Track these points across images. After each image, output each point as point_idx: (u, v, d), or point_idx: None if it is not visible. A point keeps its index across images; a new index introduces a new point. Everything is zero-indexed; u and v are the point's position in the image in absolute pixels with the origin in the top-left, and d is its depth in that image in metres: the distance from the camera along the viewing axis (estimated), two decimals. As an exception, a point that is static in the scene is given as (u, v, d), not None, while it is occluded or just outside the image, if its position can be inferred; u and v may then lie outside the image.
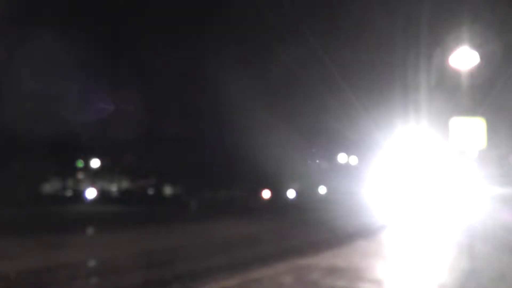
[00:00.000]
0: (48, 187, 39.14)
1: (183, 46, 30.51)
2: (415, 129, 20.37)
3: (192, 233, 16.68)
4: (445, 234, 14.94)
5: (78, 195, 39.05)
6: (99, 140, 33.47)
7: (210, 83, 30.71)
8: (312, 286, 7.43)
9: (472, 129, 9.11)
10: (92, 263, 10.42)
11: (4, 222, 18.51)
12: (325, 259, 10.00)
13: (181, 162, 36.08)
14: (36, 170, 33.39)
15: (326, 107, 31.46)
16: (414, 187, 23.55)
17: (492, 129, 9.66)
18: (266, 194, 43.58)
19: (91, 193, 39.17)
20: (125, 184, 44.48)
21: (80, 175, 43.05)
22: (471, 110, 9.63)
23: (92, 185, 41.04)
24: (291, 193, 46.72)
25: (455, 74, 10.08)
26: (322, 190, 48.42)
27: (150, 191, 43.87)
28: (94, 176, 42.47)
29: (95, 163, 41.83)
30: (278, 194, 44.63)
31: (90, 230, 17.62)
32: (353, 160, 45.53)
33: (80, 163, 41.84)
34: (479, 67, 10.07)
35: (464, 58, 9.75)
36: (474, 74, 9.87)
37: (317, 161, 47.94)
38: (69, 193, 40.91)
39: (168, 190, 44.76)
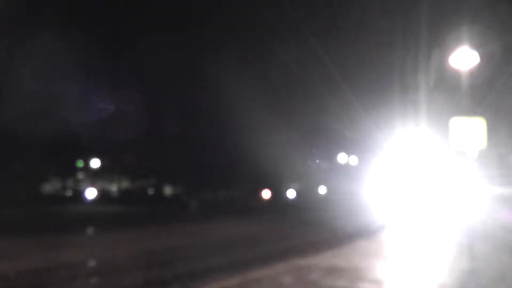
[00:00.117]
0: (48, 187, 39.15)
1: (183, 46, 30.52)
2: (415, 129, 20.37)
3: (192, 233, 16.68)
4: (445, 234, 14.94)
5: (78, 195, 39.05)
6: (99, 140, 33.47)
7: (210, 83, 30.72)
8: (312, 286, 7.43)
9: (472, 129, 9.12)
10: (92, 263, 10.42)
11: (4, 222, 18.50)
12: (325, 259, 10.00)
13: (181, 162, 36.07)
14: (36, 170, 33.40)
15: (326, 107, 31.47)
16: (414, 187, 23.55)
17: (492, 129, 9.67)
18: (266, 194, 43.58)
19: (91, 193, 39.17)
20: (125, 184, 44.48)
21: (80, 175, 43.05)
22: (471, 110, 9.63)
23: (92, 185, 41.04)
24: (291, 193, 46.72)
25: (455, 74, 10.08)
26: (322, 190, 48.41)
27: (150, 191, 43.87)
28: (94, 176, 42.47)
29: (95, 163, 41.83)
30: (278, 194, 44.62)
31: (90, 230, 17.62)
32: (353, 160, 45.54)
33: (80, 163, 41.85)
34: (479, 67, 10.07)
35: (464, 58, 9.75)
36: (474, 74, 9.87)
37: (317, 161, 47.95)
38: (69, 193, 40.91)
39: (168, 190, 44.76)
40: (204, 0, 32.99)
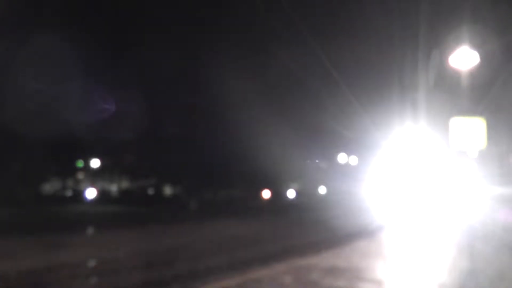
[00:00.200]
0: (48, 187, 39.18)
1: (183, 46, 30.53)
2: (415, 129, 20.37)
3: (192, 233, 16.69)
4: (445, 234, 14.94)
5: (78, 195, 39.08)
6: (99, 140, 33.49)
7: (210, 83, 30.74)
8: (312, 286, 7.43)
9: (472, 129, 9.11)
10: (92, 263, 10.42)
11: (4, 222, 18.51)
12: (325, 259, 10.00)
13: (181, 162, 36.07)
14: (36, 170, 33.41)
15: (326, 107, 31.46)
16: (414, 187, 23.55)
17: (492, 128, 9.66)
18: (266, 194, 43.60)
19: (91, 193, 39.20)
20: (125, 184, 44.50)
21: (80, 175, 43.08)
22: (471, 110, 9.63)
23: (92, 185, 41.06)
24: (291, 193, 46.75)
25: (455, 74, 10.08)
26: (322, 190, 48.43)
27: (150, 191, 43.88)
28: (94, 176, 42.49)
29: (95, 163, 41.85)
30: (278, 194, 44.65)
31: (90, 230, 17.62)
32: (353, 160, 45.54)
33: (80, 163, 41.86)
34: (479, 67, 10.07)
35: (464, 58, 9.75)
36: (474, 74, 9.87)
37: (317, 161, 47.96)
38: (69, 193, 40.94)
39: (168, 190, 44.77)
40: (204, 1, 33.00)
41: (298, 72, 29.90)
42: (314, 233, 16.63)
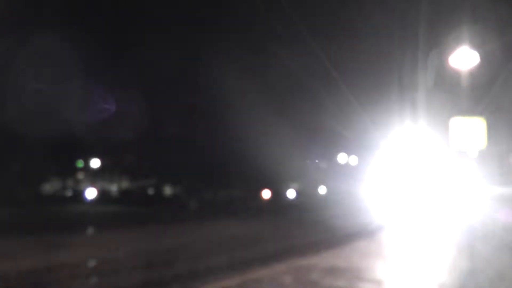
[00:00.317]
0: (48, 187, 39.17)
1: (183, 46, 30.53)
2: (414, 128, 20.37)
3: (192, 233, 16.69)
4: (445, 234, 14.94)
5: (78, 195, 39.07)
6: (99, 140, 33.49)
7: (210, 83, 30.74)
8: (312, 286, 7.43)
9: (472, 129, 9.11)
10: (92, 263, 10.42)
11: (4, 222, 18.51)
12: (325, 259, 10.00)
13: (181, 162, 36.07)
14: (36, 170, 33.41)
15: (326, 106, 31.47)
16: (414, 187, 23.55)
17: (491, 128, 9.67)
18: (266, 194, 43.59)
19: (91, 193, 39.19)
20: (125, 184, 44.50)
21: (80, 175, 43.07)
22: (471, 110, 9.64)
23: (92, 185, 41.05)
24: (291, 193, 46.74)
25: (455, 74, 10.09)
26: (322, 190, 48.43)
27: (150, 191, 43.87)
28: (94, 176, 42.48)
29: (95, 163, 41.84)
30: (278, 194, 44.64)
31: (90, 230, 17.62)
32: (353, 160, 45.54)
33: (80, 163, 41.86)
34: (479, 67, 10.07)
35: (464, 58, 9.75)
36: (474, 74, 9.87)
37: (317, 161, 47.97)
38: (69, 193, 40.93)
39: (168, 190, 44.76)
40: (204, 1, 33.02)
41: (298, 72, 29.88)
42: (314, 233, 16.63)
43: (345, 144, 41.54)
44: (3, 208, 23.74)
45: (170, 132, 34.73)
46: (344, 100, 25.47)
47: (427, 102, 19.38)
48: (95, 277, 9.07)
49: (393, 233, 16.20)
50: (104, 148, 37.05)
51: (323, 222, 20.88)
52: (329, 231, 16.76)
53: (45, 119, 26.14)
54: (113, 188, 44.14)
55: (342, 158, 45.86)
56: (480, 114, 9.57)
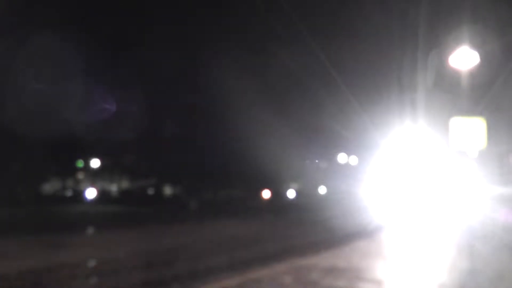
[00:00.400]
0: (48, 187, 39.18)
1: (183, 47, 30.55)
2: (414, 129, 20.37)
3: (192, 233, 16.69)
4: (445, 234, 14.94)
5: (78, 195, 39.09)
6: (99, 140, 33.50)
7: (210, 83, 30.76)
8: (312, 286, 7.43)
9: (472, 129, 9.11)
10: (92, 263, 10.42)
11: (4, 222, 18.51)
12: (325, 259, 10.00)
13: (181, 162, 36.08)
14: (36, 170, 33.42)
15: (325, 107, 31.49)
16: (414, 187, 23.54)
17: (491, 128, 9.67)
18: (266, 194, 43.62)
19: (91, 193, 39.21)
20: (125, 184, 44.50)
21: (80, 175, 43.08)
22: (470, 110, 9.64)
23: (92, 185, 41.06)
24: (291, 193, 46.75)
25: (454, 74, 10.09)
26: (322, 190, 48.44)
27: (150, 191, 43.89)
28: (94, 176, 42.49)
29: (95, 163, 41.86)
30: (278, 194, 44.66)
31: (90, 230, 17.62)
32: (353, 160, 45.55)
33: (80, 163, 41.87)
34: (479, 67, 10.07)
35: (464, 58, 9.75)
36: (474, 74, 9.87)
37: (317, 161, 47.98)
38: (69, 193, 40.94)
39: (168, 190, 44.78)
40: (204, 1, 33.03)
41: (298, 72, 29.92)
42: (314, 233, 16.63)
43: (345, 144, 41.57)
44: (3, 208, 23.75)
45: (170, 132, 34.76)
46: (344, 100, 25.47)
47: (427, 102, 19.36)
48: (95, 277, 9.07)
49: (393, 233, 16.20)
50: (104, 148, 37.07)
51: (323, 222, 20.88)
52: (329, 231, 16.75)
53: (45, 119, 26.16)
54: (113, 188, 44.15)
55: (342, 158, 45.87)
56: (480, 114, 9.57)
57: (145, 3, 31.04)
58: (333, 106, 28.66)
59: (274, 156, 32.24)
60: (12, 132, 26.02)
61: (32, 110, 25.86)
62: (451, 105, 11.80)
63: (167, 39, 29.18)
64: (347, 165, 45.54)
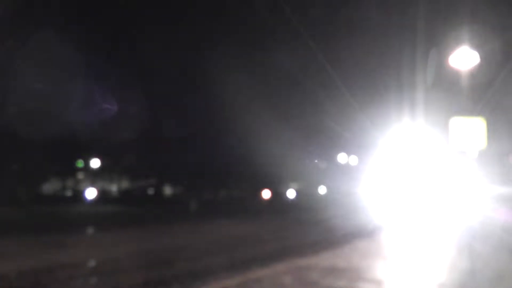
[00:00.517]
0: (48, 187, 39.19)
1: (183, 47, 30.57)
2: (414, 129, 20.38)
3: (192, 233, 16.70)
4: (445, 234, 14.95)
5: (78, 195, 39.09)
6: (99, 140, 33.49)
7: (210, 83, 30.74)
8: (312, 286, 7.43)
9: (472, 129, 9.11)
10: (92, 263, 10.43)
11: (4, 222, 18.52)
12: (325, 259, 10.00)
13: (181, 162, 36.08)
14: (36, 170, 33.43)
15: (325, 107, 31.51)
16: (414, 187, 23.56)
17: (491, 128, 9.67)
18: (266, 194, 43.63)
19: (91, 193, 39.20)
20: (125, 184, 44.50)
21: (80, 175, 43.08)
22: (470, 110, 9.64)
23: (92, 185, 41.06)
24: (291, 193, 46.76)
25: (454, 74, 10.09)
26: (322, 190, 48.45)
27: (150, 191, 43.89)
28: (94, 176, 42.49)
29: (95, 163, 41.84)
30: (278, 194, 44.68)
31: (90, 230, 17.63)
32: (353, 160, 45.56)
33: (80, 163, 41.86)
34: (479, 67, 10.08)
35: (464, 58, 9.75)
36: (474, 74, 9.87)
37: (317, 161, 47.98)
38: (69, 193, 40.95)
39: (168, 190, 44.78)
40: (204, 1, 33.04)
41: (297, 72, 29.93)
42: (314, 233, 16.64)
43: (344, 144, 41.58)
44: (3, 208, 23.76)
45: (170, 132, 34.75)
46: (344, 100, 25.49)
47: (427, 102, 19.38)
48: (95, 277, 9.07)
49: (392, 233, 16.20)
50: (104, 148, 37.05)
51: (323, 222, 20.89)
52: (329, 231, 16.76)
53: (45, 119, 26.16)
54: (113, 188, 44.16)
55: (341, 158, 45.87)
56: (480, 113, 9.57)
57: (145, 3, 31.06)
58: (333, 106, 28.70)
59: (274, 156, 32.26)
60: (12, 132, 26.03)
61: (32, 110, 25.87)
62: (451, 105, 11.80)
63: (167, 38, 29.21)
64: (347, 165, 45.55)
